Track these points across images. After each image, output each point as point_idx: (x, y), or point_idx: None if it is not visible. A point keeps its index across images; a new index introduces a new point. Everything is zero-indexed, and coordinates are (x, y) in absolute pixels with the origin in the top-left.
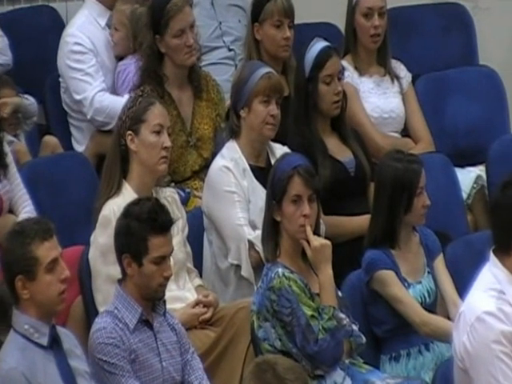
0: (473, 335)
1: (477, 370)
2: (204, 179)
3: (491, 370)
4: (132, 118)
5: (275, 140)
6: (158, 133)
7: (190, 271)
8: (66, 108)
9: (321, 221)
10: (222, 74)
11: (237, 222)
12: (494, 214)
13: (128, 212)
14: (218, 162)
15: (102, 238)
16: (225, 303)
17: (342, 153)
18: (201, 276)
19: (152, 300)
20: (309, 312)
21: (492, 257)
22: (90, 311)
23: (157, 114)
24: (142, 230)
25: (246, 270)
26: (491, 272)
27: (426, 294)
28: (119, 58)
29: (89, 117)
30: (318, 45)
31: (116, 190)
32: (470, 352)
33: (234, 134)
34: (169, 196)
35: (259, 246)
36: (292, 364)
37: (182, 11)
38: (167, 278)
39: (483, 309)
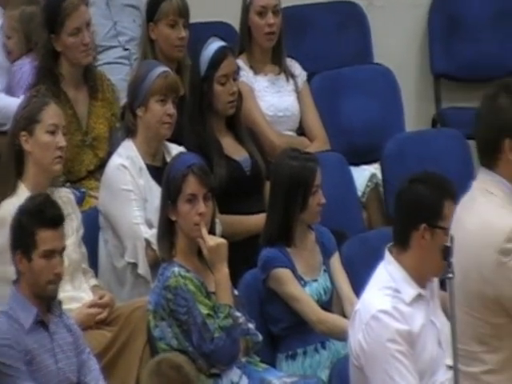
0: (368, 333)
1: (372, 369)
2: (99, 179)
3: (386, 368)
4: (26, 118)
5: (171, 139)
6: (53, 133)
7: (86, 271)
8: None
9: (216, 220)
10: (117, 74)
11: (133, 221)
12: (396, 210)
13: (20, 208)
14: (115, 160)
15: None
16: (121, 302)
17: (237, 152)
18: (96, 276)
19: (44, 299)
20: (205, 311)
21: (387, 254)
22: None
23: (51, 114)
24: (30, 223)
25: (143, 268)
26: (386, 270)
27: (322, 292)
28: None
29: None
30: (214, 45)
31: (11, 190)
32: (365, 350)
33: (131, 132)
34: (64, 196)
35: (156, 245)
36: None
37: (78, 9)
38: (58, 276)
39: (378, 307)
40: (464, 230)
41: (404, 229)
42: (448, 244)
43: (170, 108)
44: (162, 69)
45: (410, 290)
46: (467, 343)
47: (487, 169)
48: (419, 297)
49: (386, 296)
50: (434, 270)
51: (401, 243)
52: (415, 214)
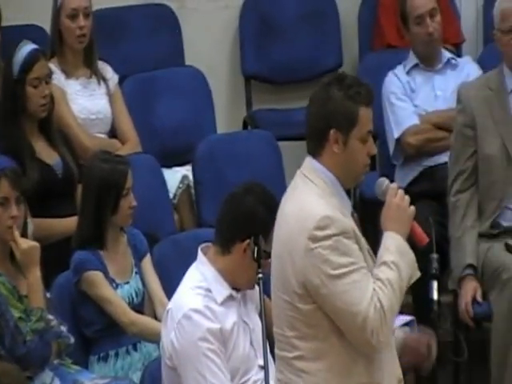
0: (180, 333)
1: (185, 368)
2: None
3: (198, 367)
4: None
5: None
6: None
7: None
8: None
9: (28, 220)
10: None
11: None
12: (226, 214)
13: None
14: None
15: None
16: None
17: (49, 155)
18: None
19: None
20: (17, 314)
21: (200, 255)
22: None
23: None
24: None
25: None
26: (199, 270)
27: (134, 294)
28: None
29: None
30: (26, 47)
31: None
32: (177, 350)
33: None
34: None
35: None
36: (9, 367)
37: None
38: None
39: (190, 306)
40: (283, 216)
41: (229, 236)
42: (261, 245)
43: None
44: None
45: (222, 290)
46: (281, 328)
47: (312, 157)
48: (231, 297)
49: (198, 295)
50: (248, 281)
51: (221, 247)
52: (245, 228)
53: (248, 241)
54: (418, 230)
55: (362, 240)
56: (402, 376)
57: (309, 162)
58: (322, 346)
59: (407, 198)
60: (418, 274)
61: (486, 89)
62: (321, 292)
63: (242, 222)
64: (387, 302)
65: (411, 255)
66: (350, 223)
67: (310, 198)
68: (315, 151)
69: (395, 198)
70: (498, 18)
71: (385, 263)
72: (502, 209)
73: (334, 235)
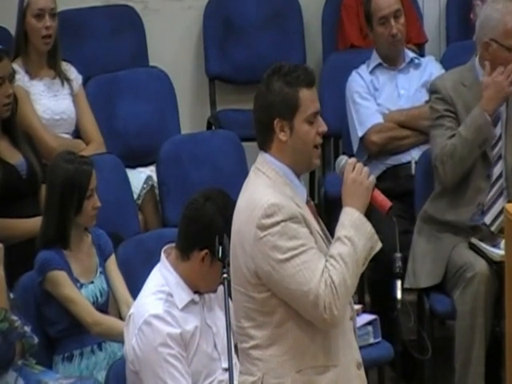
0: (141, 339)
1: (146, 373)
2: None
3: (159, 372)
4: None
5: None
6: None
7: None
8: None
9: None
10: None
11: None
12: (186, 222)
13: None
14: None
15: None
16: None
17: (13, 156)
18: None
19: None
20: None
21: (163, 258)
22: None
23: None
24: None
25: None
26: (161, 273)
27: (99, 294)
28: None
29: None
30: None
31: None
32: (138, 355)
33: None
34: None
35: None
36: None
37: None
38: None
39: (151, 312)
40: (236, 209)
41: (187, 244)
42: (225, 244)
43: None
44: None
45: (183, 296)
46: (239, 320)
47: (263, 150)
48: (192, 302)
49: (159, 300)
50: (207, 287)
51: (181, 252)
52: (202, 238)
53: (206, 250)
54: (380, 197)
55: (314, 224)
56: (361, 360)
57: (260, 155)
58: (277, 331)
59: (366, 169)
60: (379, 245)
61: (459, 85)
62: (272, 278)
63: (200, 232)
64: (338, 277)
65: (368, 227)
66: (297, 209)
67: (258, 189)
68: (265, 145)
69: (352, 172)
70: (501, 31)
71: (338, 239)
72: None
73: (282, 221)
